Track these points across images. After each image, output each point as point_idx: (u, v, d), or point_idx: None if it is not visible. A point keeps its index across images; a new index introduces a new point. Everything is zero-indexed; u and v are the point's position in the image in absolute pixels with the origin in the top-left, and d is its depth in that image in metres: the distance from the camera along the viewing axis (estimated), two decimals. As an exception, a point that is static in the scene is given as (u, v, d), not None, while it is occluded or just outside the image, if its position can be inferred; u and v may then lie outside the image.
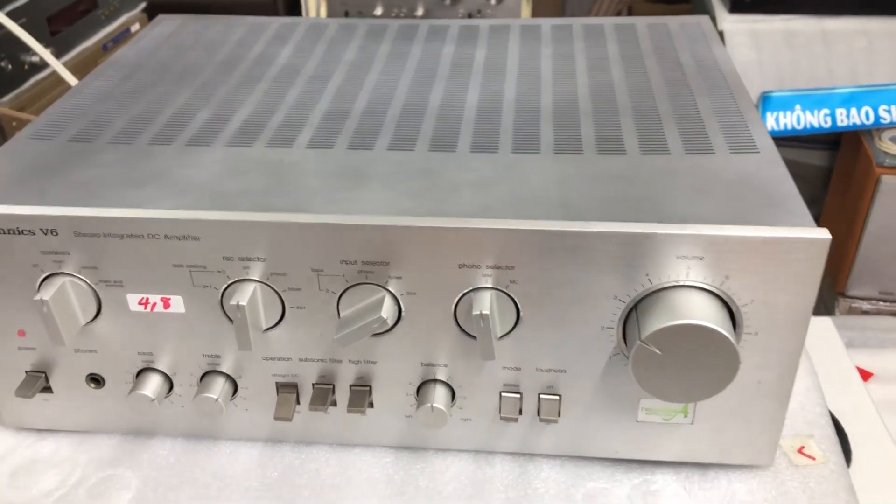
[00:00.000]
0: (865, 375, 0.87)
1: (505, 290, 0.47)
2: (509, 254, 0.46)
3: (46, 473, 0.55)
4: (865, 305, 1.61)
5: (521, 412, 0.53)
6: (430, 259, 0.47)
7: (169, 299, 0.50)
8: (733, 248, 0.44)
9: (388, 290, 0.48)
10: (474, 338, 0.48)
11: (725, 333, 0.43)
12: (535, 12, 1.56)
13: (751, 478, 0.53)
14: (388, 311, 0.48)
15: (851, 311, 1.62)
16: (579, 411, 0.52)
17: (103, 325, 0.52)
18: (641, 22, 0.76)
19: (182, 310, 0.50)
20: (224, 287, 0.49)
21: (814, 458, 0.54)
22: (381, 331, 0.49)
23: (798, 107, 1.52)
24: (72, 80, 0.99)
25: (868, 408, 0.78)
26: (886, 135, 1.52)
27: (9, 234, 0.48)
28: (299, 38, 0.75)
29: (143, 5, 1.50)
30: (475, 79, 0.66)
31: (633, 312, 0.47)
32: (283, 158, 0.54)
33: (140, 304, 0.50)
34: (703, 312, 0.44)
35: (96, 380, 0.55)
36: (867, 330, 0.98)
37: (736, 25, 1.50)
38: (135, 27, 1.47)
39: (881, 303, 1.61)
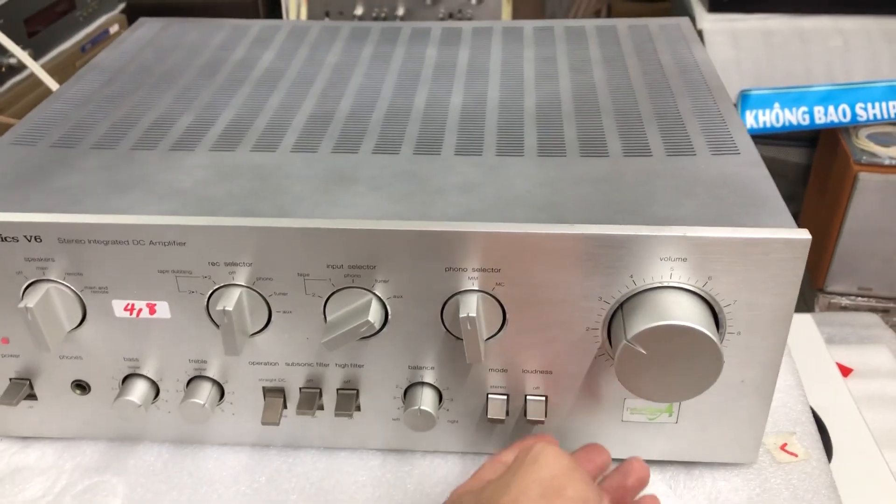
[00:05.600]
0: (845, 371, 0.88)
1: (491, 292, 0.48)
2: (495, 257, 0.46)
3: (32, 481, 0.55)
4: (844, 301, 1.63)
5: (507, 413, 0.53)
6: (417, 262, 0.47)
7: (154, 305, 0.50)
8: (716, 249, 0.45)
9: (374, 294, 0.48)
10: (461, 340, 0.48)
11: (709, 334, 0.44)
12: (516, 12, 1.57)
13: (735, 475, 0.54)
14: (374, 314, 0.48)
15: (830, 307, 1.64)
16: (565, 411, 0.53)
17: (88, 331, 0.51)
18: (622, 24, 0.77)
19: (168, 315, 0.50)
20: (210, 292, 0.49)
21: (796, 455, 0.55)
22: (368, 334, 0.49)
23: (777, 105, 1.53)
24: (50, 82, 0.98)
25: (848, 404, 0.79)
26: (864, 132, 1.54)
27: (-8, 241, 0.48)
28: (281, 41, 0.75)
29: (121, 6, 1.49)
30: (459, 81, 0.66)
31: (619, 313, 0.47)
32: (267, 162, 0.54)
33: (125, 310, 0.50)
34: (686, 313, 0.45)
35: (82, 386, 0.54)
36: (847, 326, 0.99)
37: (714, 24, 1.52)
38: (113, 28, 1.45)
39: (859, 298, 1.62)
